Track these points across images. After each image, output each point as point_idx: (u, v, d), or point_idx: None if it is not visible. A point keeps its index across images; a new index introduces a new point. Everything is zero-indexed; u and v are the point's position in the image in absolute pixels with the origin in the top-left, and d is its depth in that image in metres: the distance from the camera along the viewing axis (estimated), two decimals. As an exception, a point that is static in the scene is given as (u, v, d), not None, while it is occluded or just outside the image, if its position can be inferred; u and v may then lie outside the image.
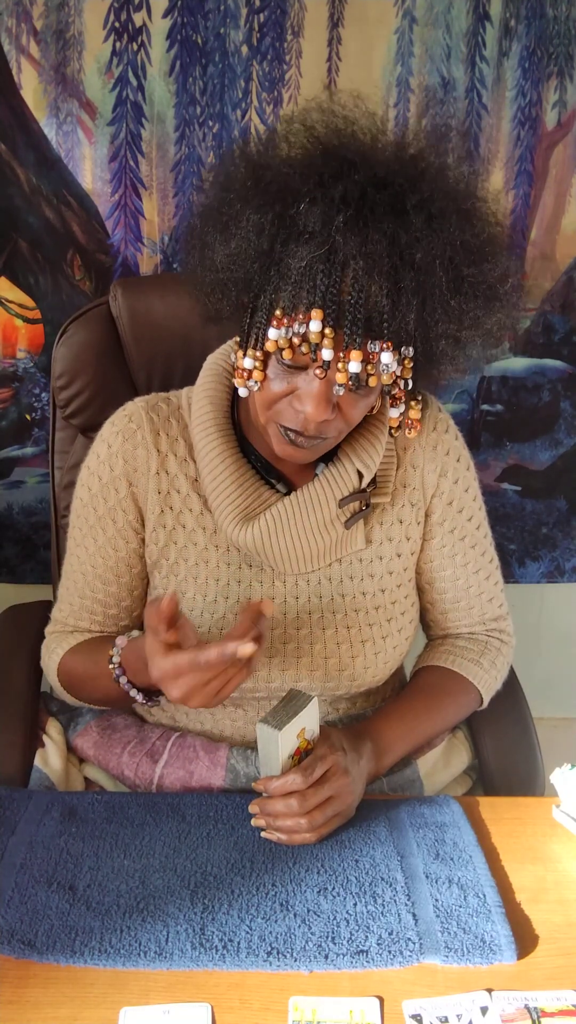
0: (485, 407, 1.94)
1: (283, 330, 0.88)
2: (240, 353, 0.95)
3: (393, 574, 1.08)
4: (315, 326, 0.85)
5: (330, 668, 1.05)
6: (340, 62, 1.66)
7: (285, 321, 0.88)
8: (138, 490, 1.06)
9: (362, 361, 0.86)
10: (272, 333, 0.89)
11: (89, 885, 0.86)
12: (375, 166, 0.87)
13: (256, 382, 0.93)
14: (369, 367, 0.87)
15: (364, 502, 1.05)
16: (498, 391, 1.93)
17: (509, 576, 1.91)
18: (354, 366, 0.86)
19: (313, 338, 0.86)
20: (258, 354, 0.92)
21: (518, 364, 1.92)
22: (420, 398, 0.98)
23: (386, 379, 0.89)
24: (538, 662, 2.08)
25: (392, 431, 1.01)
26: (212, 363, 1.08)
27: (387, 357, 0.87)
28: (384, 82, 1.68)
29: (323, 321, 0.85)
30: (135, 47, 1.63)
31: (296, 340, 0.87)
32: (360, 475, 1.03)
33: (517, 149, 1.76)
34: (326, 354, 0.86)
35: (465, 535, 1.12)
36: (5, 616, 1.36)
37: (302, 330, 0.86)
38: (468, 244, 0.88)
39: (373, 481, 1.05)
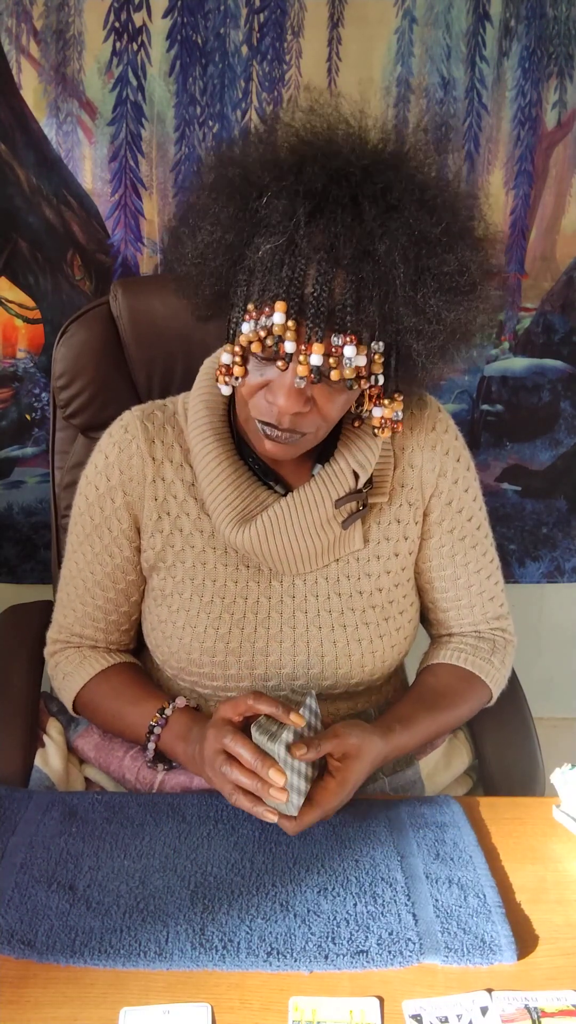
0: (485, 407, 1.94)
1: (252, 323, 0.88)
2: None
3: (391, 574, 1.08)
4: (278, 318, 0.85)
5: (327, 667, 1.06)
6: (340, 62, 1.67)
7: (255, 314, 0.88)
8: (133, 499, 1.06)
9: (324, 354, 0.86)
10: (244, 327, 0.89)
11: (89, 885, 0.86)
12: (335, 158, 0.87)
13: (237, 377, 0.94)
14: (331, 360, 0.87)
15: (361, 502, 1.05)
16: (498, 391, 1.93)
17: (509, 576, 1.91)
18: (315, 359, 0.86)
19: (276, 330, 0.86)
20: (236, 349, 0.92)
21: (518, 364, 1.92)
22: (399, 398, 0.97)
23: (348, 372, 0.88)
24: (538, 662, 2.09)
25: (375, 431, 1.00)
26: (208, 367, 1.08)
27: (350, 351, 0.87)
28: (384, 82, 1.68)
29: (287, 313, 0.85)
30: (135, 47, 1.63)
31: (263, 333, 0.88)
32: (356, 475, 1.03)
33: (517, 149, 1.76)
34: (288, 346, 0.86)
35: (465, 535, 1.12)
36: (5, 616, 1.36)
37: (269, 323, 0.86)
38: (427, 234, 0.87)
39: (370, 481, 1.05)
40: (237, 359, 0.93)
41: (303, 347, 0.87)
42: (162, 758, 1.05)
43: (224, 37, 1.64)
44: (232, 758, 0.89)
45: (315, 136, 0.90)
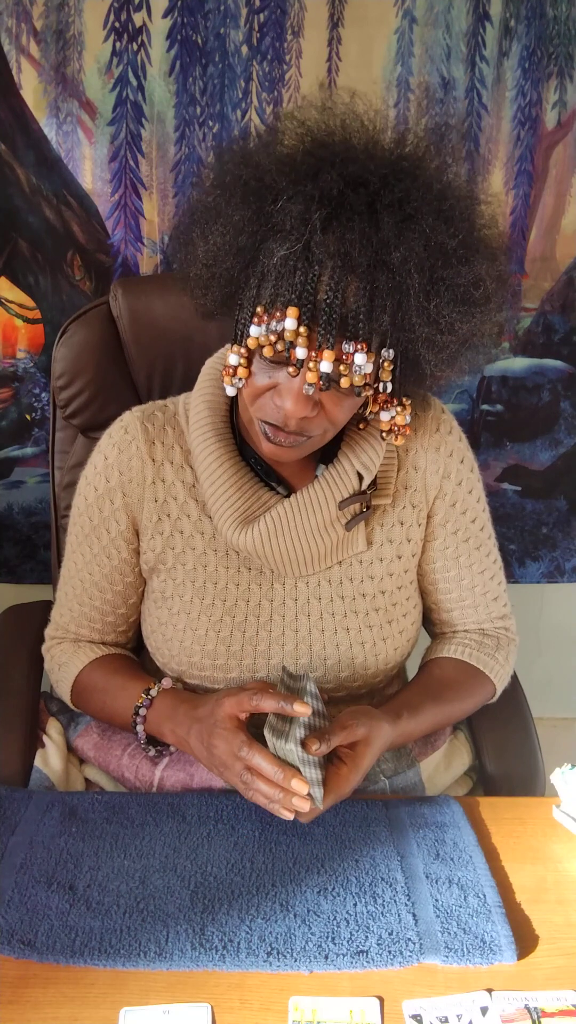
0: (485, 407, 1.94)
1: (263, 327, 0.88)
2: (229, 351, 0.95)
3: (393, 575, 1.08)
4: (290, 324, 0.85)
5: (329, 669, 1.06)
6: (340, 62, 1.66)
7: (265, 318, 0.87)
8: (132, 500, 1.06)
9: (335, 361, 0.86)
10: (253, 330, 0.89)
11: (89, 885, 0.86)
12: (352, 164, 0.86)
13: (241, 379, 0.93)
14: (342, 367, 0.87)
15: (365, 504, 1.04)
16: (498, 391, 1.93)
17: (509, 576, 1.89)
18: (325, 365, 0.86)
19: (288, 336, 0.85)
20: (242, 350, 0.92)
21: (518, 364, 1.92)
22: (408, 404, 0.97)
23: (358, 380, 0.88)
24: (538, 662, 2.08)
25: (383, 435, 1.00)
26: (210, 367, 1.08)
27: (360, 358, 0.86)
28: (384, 82, 1.68)
29: (298, 319, 0.85)
30: (135, 47, 1.63)
31: (273, 337, 0.87)
32: (360, 477, 1.03)
33: (517, 149, 1.76)
34: (299, 352, 0.86)
35: (469, 536, 1.12)
36: (5, 616, 1.36)
37: (279, 327, 0.86)
38: (443, 246, 0.86)
39: (373, 483, 1.05)
40: (243, 361, 0.92)
41: (313, 353, 0.86)
42: (156, 741, 1.05)
43: (224, 37, 1.64)
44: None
45: (330, 138, 0.89)
